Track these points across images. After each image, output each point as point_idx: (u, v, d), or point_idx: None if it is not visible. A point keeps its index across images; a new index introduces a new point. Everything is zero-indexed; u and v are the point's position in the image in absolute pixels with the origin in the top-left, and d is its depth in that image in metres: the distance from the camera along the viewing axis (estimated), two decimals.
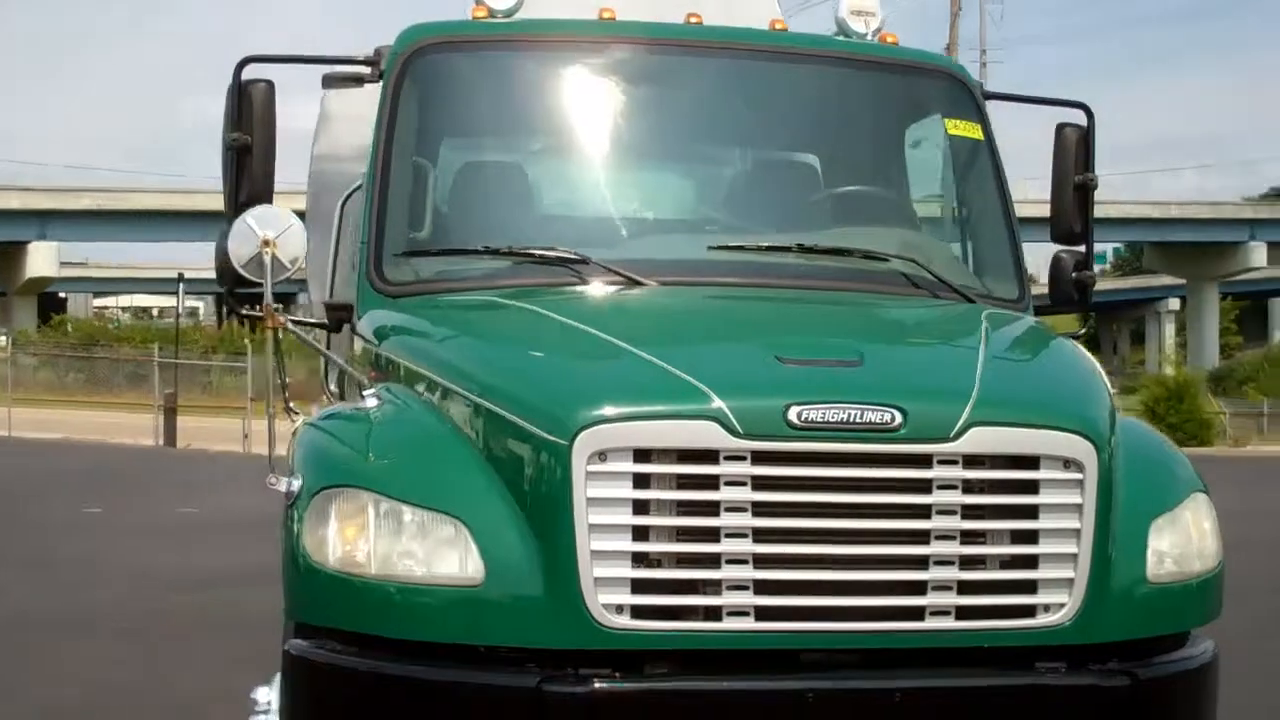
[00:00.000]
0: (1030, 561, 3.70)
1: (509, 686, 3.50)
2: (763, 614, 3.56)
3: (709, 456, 3.56)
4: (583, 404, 3.59)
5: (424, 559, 3.65)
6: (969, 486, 3.66)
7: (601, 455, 3.53)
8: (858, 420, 3.59)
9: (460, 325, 4.43)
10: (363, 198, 5.02)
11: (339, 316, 5.11)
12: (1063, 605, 3.70)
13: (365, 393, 4.09)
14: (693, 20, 5.30)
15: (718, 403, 3.57)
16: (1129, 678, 3.72)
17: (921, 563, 3.63)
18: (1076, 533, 3.71)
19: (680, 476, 3.56)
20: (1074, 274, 5.36)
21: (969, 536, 3.66)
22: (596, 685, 3.46)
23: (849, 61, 5.28)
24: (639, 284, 4.58)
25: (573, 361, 3.96)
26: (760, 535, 3.56)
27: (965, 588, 3.66)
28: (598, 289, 4.55)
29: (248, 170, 5.02)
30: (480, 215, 5.03)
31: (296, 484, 3.90)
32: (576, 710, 3.46)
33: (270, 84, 5.11)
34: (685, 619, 3.56)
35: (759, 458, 3.56)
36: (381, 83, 5.07)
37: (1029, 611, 3.70)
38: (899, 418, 3.61)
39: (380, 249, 4.83)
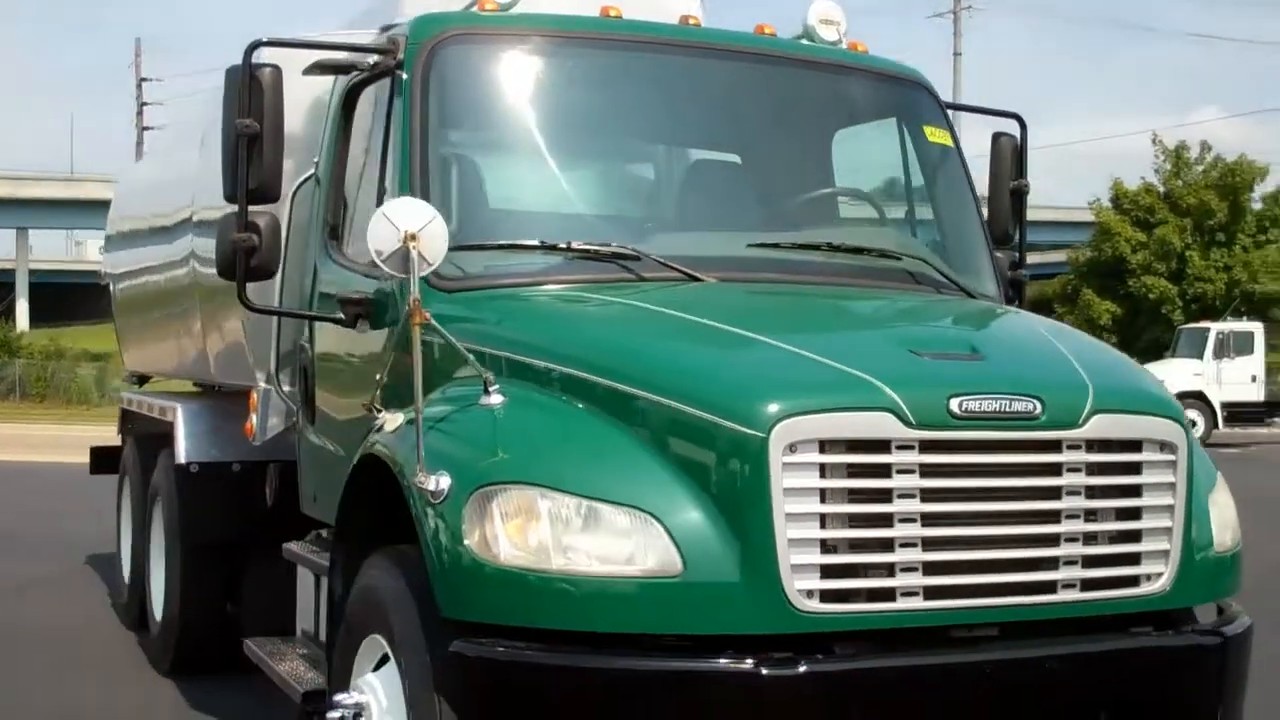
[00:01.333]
0: (1135, 536, 4.08)
1: (726, 671, 3.59)
2: (930, 593, 3.79)
3: (882, 446, 3.76)
4: (775, 399, 3.72)
5: (616, 553, 3.69)
6: (1090, 469, 4.00)
7: (792, 447, 3.67)
8: (1007, 410, 3.89)
9: (588, 321, 4.45)
10: (387, 187, 4.92)
11: (356, 311, 5.00)
12: (1160, 574, 4.10)
13: (491, 389, 4.04)
14: (692, 22, 5.47)
15: (891, 396, 3.78)
16: (1219, 637, 4.17)
17: (1054, 540, 3.95)
18: (1171, 509, 4.12)
19: (856, 466, 3.75)
20: (1009, 273, 5.84)
21: (1090, 515, 4.00)
22: (807, 667, 3.61)
23: (841, 69, 5.57)
24: (695, 279, 4.72)
25: (746, 359, 4.06)
26: (927, 519, 3.79)
27: (1088, 562, 4.00)
28: (683, 285, 4.66)
29: (257, 158, 4.86)
30: (524, 210, 5.03)
31: (445, 482, 3.85)
32: (792, 690, 3.59)
33: (278, 69, 4.97)
34: (864, 601, 3.74)
35: (925, 446, 3.79)
36: (400, 72, 4.98)
37: (1134, 581, 4.08)
38: (1039, 407, 3.92)
39: None
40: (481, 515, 3.79)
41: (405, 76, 4.96)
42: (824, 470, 3.71)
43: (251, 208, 4.95)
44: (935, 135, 5.62)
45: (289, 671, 5.38)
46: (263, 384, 6.19)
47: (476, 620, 3.80)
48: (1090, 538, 4.01)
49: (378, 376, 4.73)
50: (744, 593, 3.65)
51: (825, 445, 3.71)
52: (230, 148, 4.92)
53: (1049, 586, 3.95)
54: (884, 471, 3.76)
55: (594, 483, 3.78)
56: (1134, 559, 4.08)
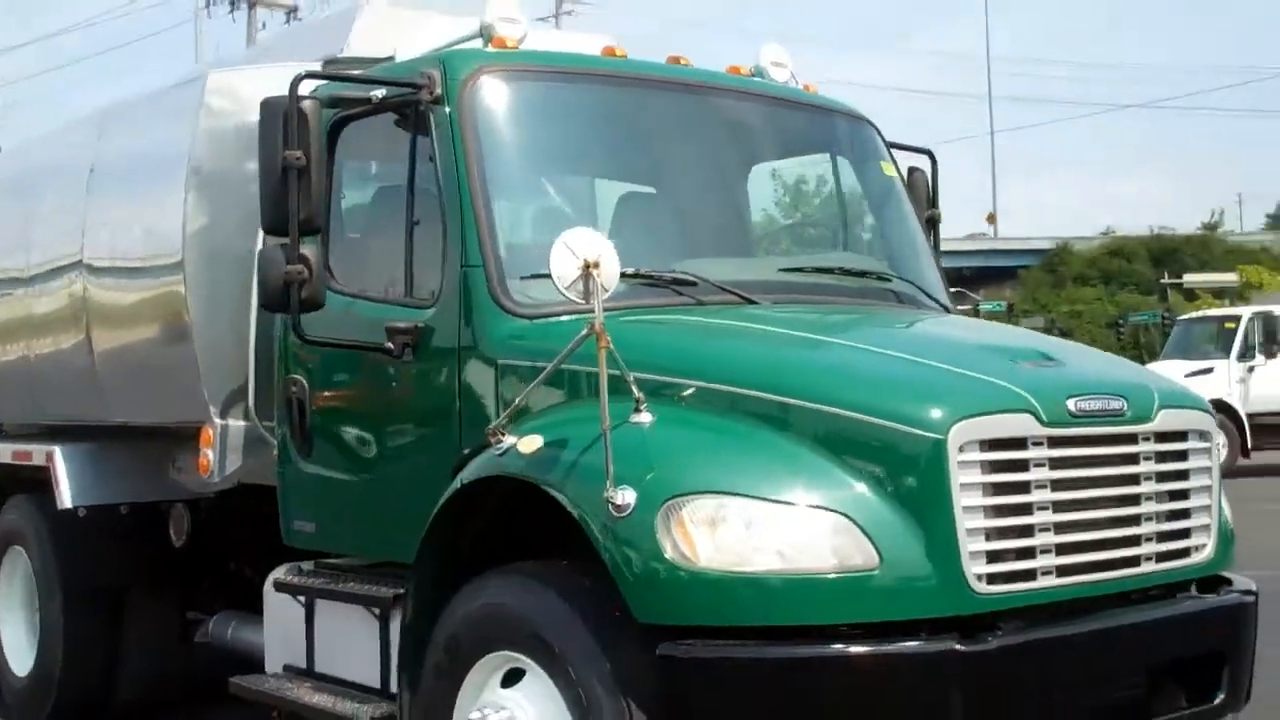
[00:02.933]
0: (1187, 514, 4.67)
1: (928, 651, 3.91)
2: (1060, 572, 4.25)
3: (1021, 444, 4.20)
4: (947, 406, 4.10)
5: (816, 550, 3.95)
6: (1159, 457, 4.57)
7: (962, 448, 4.06)
8: (1106, 409, 4.41)
9: (723, 339, 4.67)
10: (445, 217, 4.98)
11: (404, 340, 5.03)
12: (1204, 546, 4.71)
13: (641, 407, 4.21)
14: (684, 62, 5.78)
15: (1029, 399, 4.23)
16: (1253, 596, 4.82)
17: (1137, 520, 4.49)
18: (1209, 489, 4.75)
19: (1002, 462, 4.17)
20: None
21: (1160, 497, 4.57)
22: (996, 642, 3.98)
23: (812, 108, 6.01)
24: (752, 301, 5.04)
25: (903, 372, 4.41)
26: (1056, 507, 4.25)
27: (1160, 537, 4.56)
28: (749, 308, 4.96)
29: (306, 189, 4.86)
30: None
31: (631, 496, 4.01)
32: (987, 663, 3.94)
33: (318, 101, 4.98)
34: (1017, 581, 4.15)
35: (1053, 442, 4.26)
36: (440, 106, 5.06)
37: (1187, 553, 4.67)
38: (1125, 405, 4.47)
39: (502, 272, 4.86)
40: (675, 524, 3.97)
41: (448, 110, 5.03)
42: (983, 467, 4.11)
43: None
44: (887, 169, 6.14)
45: (327, 703, 5.26)
46: (218, 419, 6.01)
47: (676, 623, 3.97)
48: (1161, 516, 4.57)
49: (461, 405, 4.81)
50: (933, 580, 3.99)
51: (984, 445, 4.11)
52: (276, 180, 4.86)
53: (1135, 560, 4.48)
54: (1024, 466, 4.20)
55: (779, 487, 4.04)
56: (1186, 533, 4.67)
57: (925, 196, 6.51)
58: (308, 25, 6.71)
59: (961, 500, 4.04)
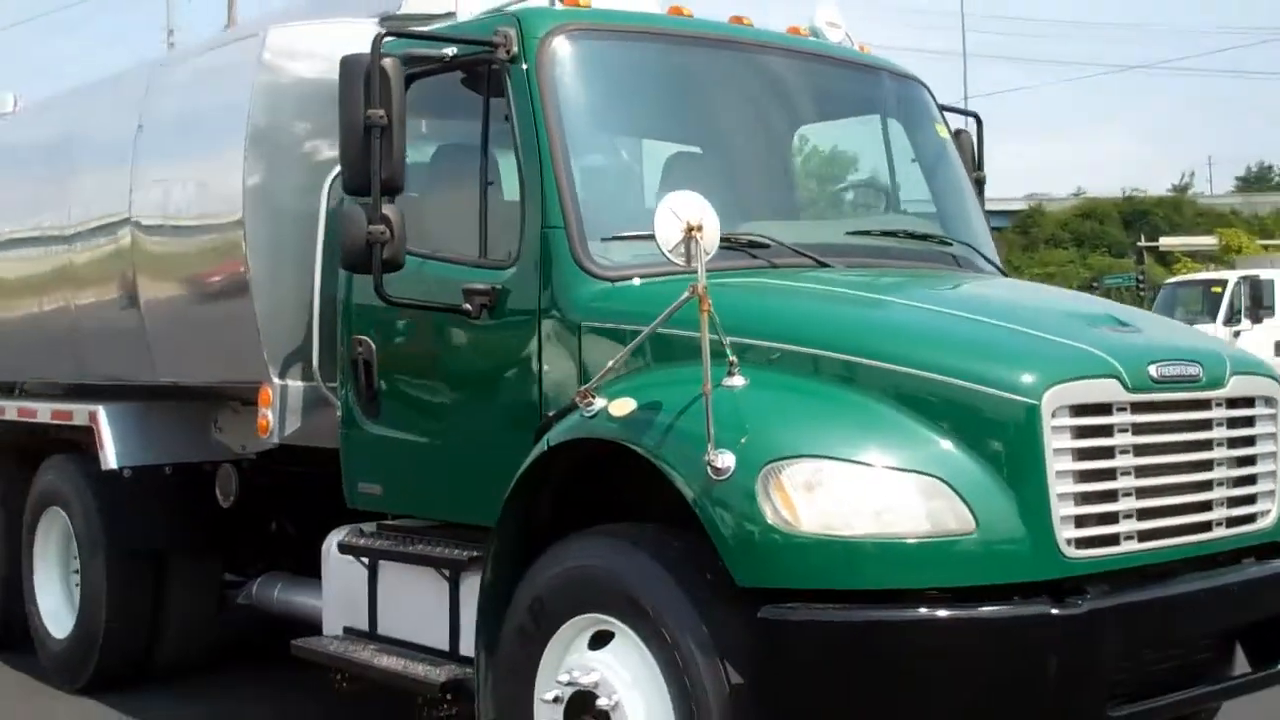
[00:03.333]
0: (1253, 480, 4.75)
1: (1025, 615, 3.99)
2: (1142, 536, 4.34)
3: (1107, 409, 4.27)
4: (1040, 372, 4.16)
5: (914, 514, 4.02)
6: (1230, 423, 4.65)
7: (1054, 413, 4.13)
8: (1184, 374, 4.49)
9: (815, 304, 4.72)
10: (523, 178, 5.00)
11: (482, 303, 5.06)
12: (1269, 512, 4.78)
13: (735, 370, 4.25)
14: (746, 23, 5.81)
15: (1115, 365, 4.30)
16: None
17: (1210, 486, 4.58)
18: (1275, 455, 4.84)
19: (1089, 427, 4.24)
20: None
21: (1231, 463, 4.66)
22: (1086, 606, 4.05)
23: (870, 69, 6.05)
24: (825, 265, 5.10)
25: (992, 337, 4.45)
26: (1139, 472, 4.34)
27: (1231, 503, 4.64)
28: (825, 271, 5.02)
29: (387, 149, 4.87)
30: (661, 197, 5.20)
31: (730, 459, 4.06)
32: (1078, 627, 4.01)
33: (398, 59, 4.97)
34: (1101, 546, 4.23)
35: (1136, 407, 4.33)
36: (517, 64, 5.07)
37: (1252, 519, 4.75)
38: (1201, 371, 4.55)
39: (583, 234, 4.89)
40: (774, 488, 4.03)
41: (526, 69, 5.05)
42: (1073, 432, 4.19)
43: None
44: (941, 130, 6.20)
45: (396, 666, 5.31)
46: (278, 380, 6.03)
47: (776, 586, 4.03)
48: (1231, 482, 4.65)
49: (542, 367, 4.86)
50: (1026, 544, 4.07)
51: (1074, 410, 4.18)
52: (358, 139, 4.87)
53: (1207, 526, 4.56)
54: (1110, 431, 4.27)
55: (875, 451, 4.10)
56: (1253, 499, 4.75)
57: (971, 158, 6.57)
58: None
59: (1054, 465, 4.11)
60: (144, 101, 6.80)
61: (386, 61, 4.89)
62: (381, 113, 4.84)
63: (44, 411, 7.71)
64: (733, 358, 4.24)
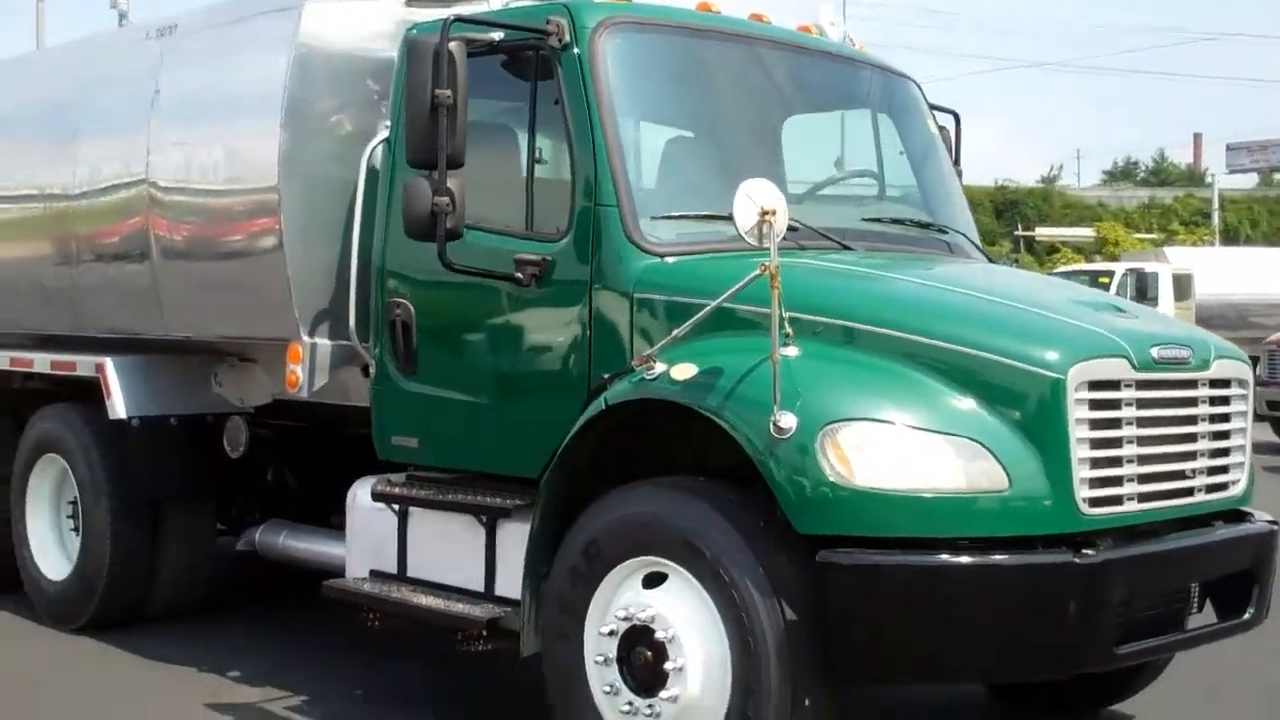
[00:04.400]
0: (1227, 452, 5.34)
1: (1053, 562, 4.52)
2: (1141, 498, 4.89)
3: (1115, 385, 4.82)
4: (1066, 350, 4.70)
5: (956, 472, 4.53)
6: (1212, 401, 5.24)
7: (1076, 387, 4.67)
8: (1178, 357, 5.05)
9: (861, 284, 5.21)
10: (574, 158, 5.39)
11: (533, 272, 5.45)
12: (1239, 482, 5.39)
13: (789, 341, 4.70)
14: (765, 20, 6.25)
15: (1125, 346, 4.85)
16: (1276, 525, 5.52)
17: (1194, 456, 5.15)
18: (1245, 430, 5.44)
19: (1101, 400, 4.77)
20: None
21: (1211, 436, 5.24)
22: (1100, 556, 4.59)
23: (872, 67, 6.54)
24: (847, 248, 5.59)
25: (1022, 318, 4.95)
26: (1140, 442, 4.90)
27: (1210, 472, 5.23)
28: (848, 253, 5.52)
29: (451, 125, 5.23)
30: (703, 180, 5.67)
31: (792, 420, 4.52)
32: (1093, 573, 4.55)
33: (463, 42, 5.32)
34: (1108, 505, 4.77)
35: (1140, 385, 4.89)
36: (569, 50, 5.45)
37: (1225, 487, 5.34)
38: (1191, 354, 5.12)
39: (635, 212, 5.30)
40: (831, 446, 4.51)
41: (578, 55, 5.43)
42: (1090, 404, 4.72)
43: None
44: (932, 125, 6.71)
45: (438, 605, 5.68)
46: (307, 338, 6.34)
47: (832, 533, 4.51)
48: (1210, 453, 5.23)
49: (592, 333, 5.27)
50: (1050, 501, 4.60)
51: (1091, 385, 4.72)
52: (424, 116, 5.21)
53: (1190, 491, 5.14)
54: (1118, 405, 4.82)
55: (922, 416, 4.60)
56: (1226, 469, 5.34)
57: (951, 153, 7.10)
58: None
59: (1075, 433, 4.64)
60: (159, 68, 7.02)
61: (454, 44, 5.24)
62: (449, 92, 5.20)
63: (42, 361, 7.89)
64: (789, 330, 4.69)
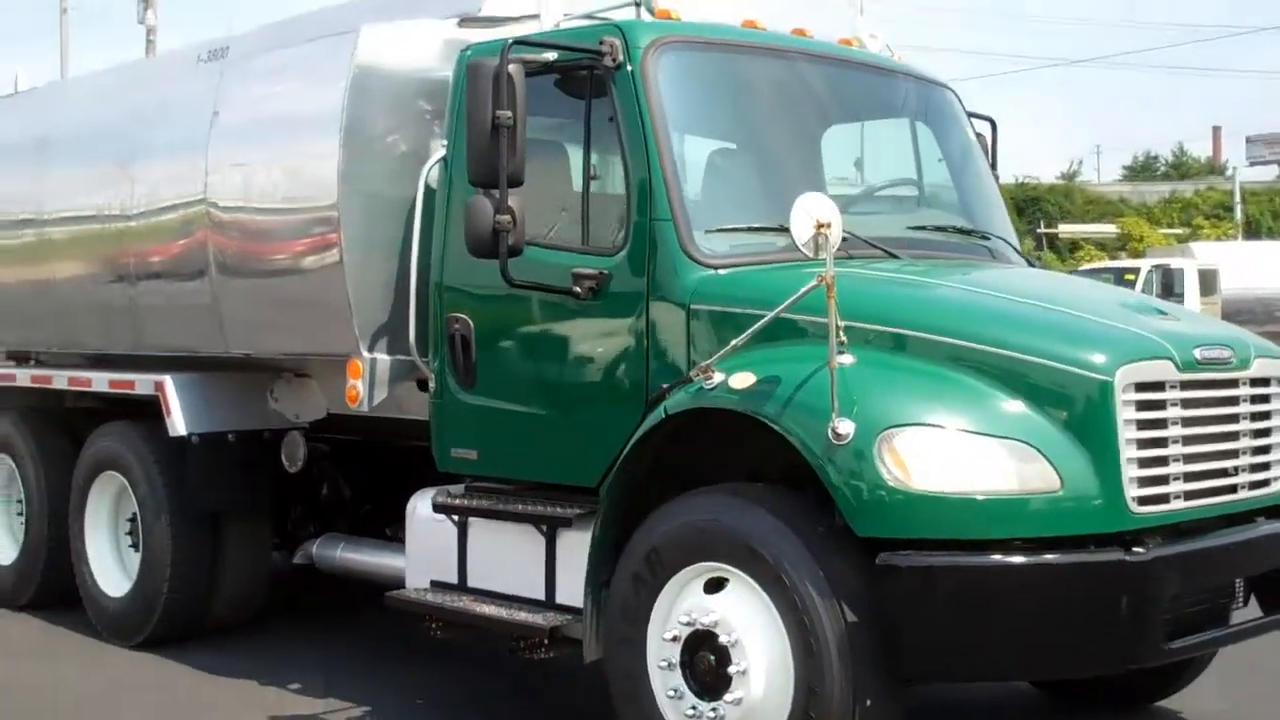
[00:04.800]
0: (1268, 450, 5.46)
1: (1106, 561, 4.66)
2: (1186, 496, 5.03)
3: (1160, 387, 4.95)
4: (1113, 353, 4.84)
5: (1009, 475, 4.67)
6: (1253, 400, 5.36)
7: (1124, 389, 4.80)
8: (1220, 357, 5.19)
9: (913, 292, 5.35)
10: (628, 174, 5.55)
11: (590, 286, 5.60)
12: (1278, 478, 5.54)
13: (844, 350, 4.84)
14: (808, 34, 6.41)
15: (1169, 349, 4.99)
16: None
17: (1236, 454, 5.28)
18: None
19: (1147, 402, 4.91)
20: None
21: (1252, 434, 5.36)
22: (1150, 554, 4.72)
23: (911, 77, 6.69)
24: (895, 256, 5.74)
25: (1070, 324, 5.10)
26: (1185, 441, 5.03)
27: (1252, 469, 5.35)
28: (895, 261, 5.68)
29: (512, 145, 5.39)
30: (753, 194, 5.85)
31: (850, 426, 4.67)
32: (1144, 571, 4.68)
33: (521, 64, 5.48)
34: (1156, 504, 4.90)
35: (1184, 385, 5.02)
36: (620, 71, 5.61)
37: (1267, 484, 5.46)
38: (1232, 354, 5.25)
39: (690, 226, 5.45)
40: (888, 452, 4.65)
41: (632, 75, 5.59)
42: (1137, 405, 4.86)
43: None
44: (971, 133, 6.86)
45: (501, 614, 5.83)
46: (367, 354, 6.50)
47: (890, 536, 4.66)
48: (1252, 451, 5.36)
49: (649, 344, 5.42)
50: (1101, 501, 4.74)
51: (1138, 387, 4.86)
52: (485, 136, 5.38)
53: (1234, 489, 5.27)
54: (1163, 405, 4.96)
55: (976, 420, 4.75)
56: (1268, 466, 5.47)
57: (988, 159, 7.24)
58: None
59: (1123, 434, 4.78)
60: (219, 90, 7.20)
61: (513, 66, 5.40)
62: (509, 113, 5.36)
63: (100, 380, 8.07)
64: (843, 338, 4.83)
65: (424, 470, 6.69)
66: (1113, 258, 35.46)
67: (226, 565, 7.76)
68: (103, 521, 8.16)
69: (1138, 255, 32.04)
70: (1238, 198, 46.22)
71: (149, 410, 7.71)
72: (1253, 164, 52.12)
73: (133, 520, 7.94)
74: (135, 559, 7.87)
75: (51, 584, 8.59)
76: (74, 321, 8.34)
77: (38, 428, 8.83)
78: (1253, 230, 46.09)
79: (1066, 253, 45.52)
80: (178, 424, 7.42)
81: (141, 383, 7.70)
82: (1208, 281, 24.62)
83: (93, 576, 8.11)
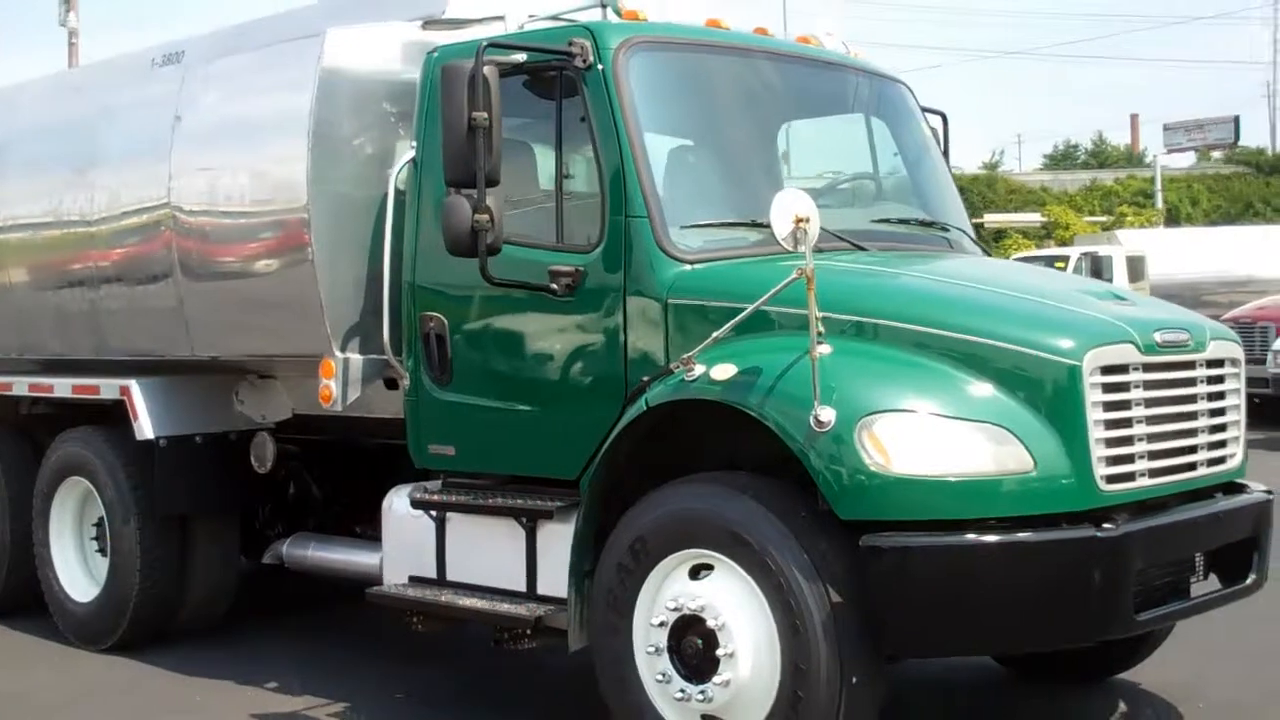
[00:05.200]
0: (1224, 428, 5.68)
1: (1079, 537, 4.85)
2: (1151, 474, 5.23)
3: (1124, 369, 5.15)
4: (1080, 338, 5.02)
5: (986, 457, 4.85)
6: (1209, 380, 5.58)
7: (1091, 372, 4.99)
8: (1178, 340, 5.39)
9: (885, 283, 5.51)
10: (602, 172, 5.66)
11: (566, 283, 5.71)
12: (1235, 455, 5.72)
13: (822, 340, 4.99)
14: (768, 33, 6.56)
15: (1131, 333, 5.19)
16: (1271, 494, 5.88)
17: (1195, 433, 5.49)
18: (1239, 407, 5.78)
19: (1112, 384, 5.10)
20: None
21: (1209, 414, 5.58)
22: (1120, 530, 4.91)
23: (869, 74, 6.85)
24: (862, 249, 5.90)
25: (1036, 310, 5.27)
26: (1149, 421, 5.23)
27: (1210, 447, 5.57)
28: (864, 254, 5.83)
29: (488, 146, 5.50)
30: (723, 190, 5.98)
31: (831, 414, 4.82)
32: (1114, 545, 4.87)
33: (496, 66, 5.58)
34: (1122, 482, 5.10)
35: (1146, 368, 5.22)
36: (591, 71, 5.72)
37: (1223, 461, 5.68)
38: (1189, 337, 5.46)
39: (664, 222, 5.58)
40: (871, 437, 4.81)
41: (603, 75, 5.70)
42: (1103, 388, 5.05)
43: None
44: (925, 127, 7.04)
45: (485, 606, 5.92)
46: (339, 353, 6.56)
47: (873, 519, 4.82)
48: (1209, 430, 5.57)
49: (627, 338, 5.54)
50: (1072, 480, 4.92)
51: (1103, 370, 5.05)
52: (461, 138, 5.48)
53: (1194, 466, 5.48)
54: (1127, 387, 5.15)
55: (951, 405, 4.91)
56: (1224, 444, 5.68)
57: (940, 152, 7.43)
58: None
59: (1091, 415, 4.97)
60: (180, 94, 7.21)
61: (488, 68, 5.50)
62: (485, 114, 5.46)
63: (63, 386, 8.07)
64: (821, 328, 4.98)
65: (391, 467, 6.78)
66: (1039, 246, 35.99)
67: (195, 567, 7.79)
68: (67, 527, 8.15)
69: (1064, 243, 32.54)
70: (1159, 185, 47.00)
71: (111, 414, 7.72)
72: (1170, 151, 52.92)
73: (99, 525, 7.95)
74: (102, 563, 7.88)
75: (15, 590, 8.56)
76: (33, 327, 8.31)
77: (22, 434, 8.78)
78: (1172, 217, 46.92)
79: (992, 242, 46.06)
80: (145, 428, 7.44)
81: (106, 387, 7.71)
82: (1135, 268, 25.19)
83: (59, 582, 8.11)
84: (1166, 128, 53.79)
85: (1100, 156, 68.60)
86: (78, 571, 8.12)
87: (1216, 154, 57.57)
